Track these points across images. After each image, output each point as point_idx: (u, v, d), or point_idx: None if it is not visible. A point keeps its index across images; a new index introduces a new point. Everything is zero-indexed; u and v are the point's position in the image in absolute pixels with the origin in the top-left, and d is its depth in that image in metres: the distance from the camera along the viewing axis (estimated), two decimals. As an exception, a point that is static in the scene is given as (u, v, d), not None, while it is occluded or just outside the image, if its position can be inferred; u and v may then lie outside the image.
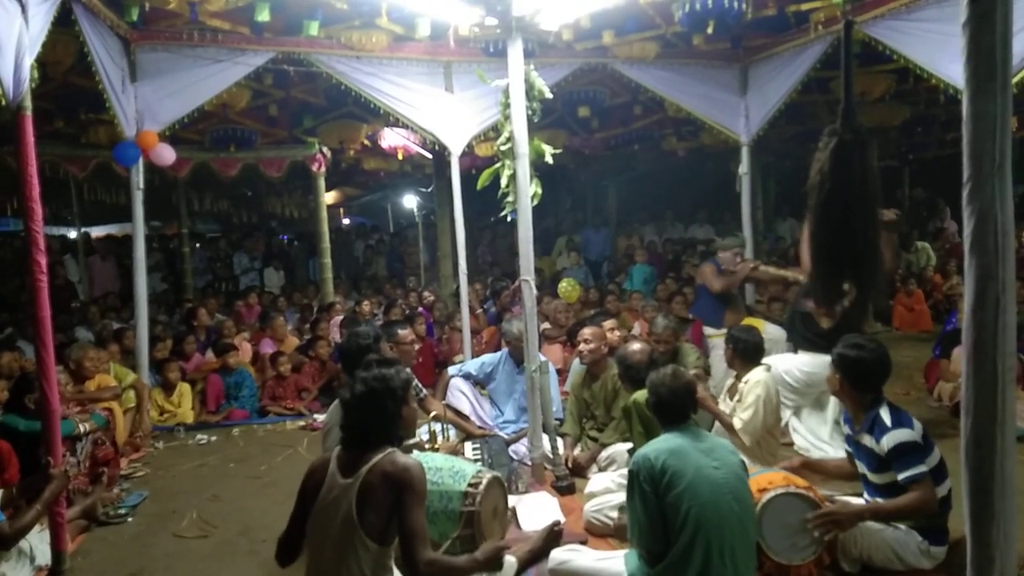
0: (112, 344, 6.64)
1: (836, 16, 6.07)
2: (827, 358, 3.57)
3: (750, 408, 4.13)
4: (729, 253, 6.33)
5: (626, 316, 8.08)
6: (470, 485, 3.21)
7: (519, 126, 4.34)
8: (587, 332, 4.99)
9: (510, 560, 2.86)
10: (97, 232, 12.87)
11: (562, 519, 3.67)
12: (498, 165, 4.60)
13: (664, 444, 2.88)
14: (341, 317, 8.00)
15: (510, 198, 4.54)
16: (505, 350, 5.65)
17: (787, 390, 4.93)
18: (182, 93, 6.18)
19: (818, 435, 4.97)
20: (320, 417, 6.05)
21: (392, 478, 2.40)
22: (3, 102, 3.44)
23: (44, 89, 6.07)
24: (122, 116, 5.84)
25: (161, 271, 11.46)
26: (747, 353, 4.36)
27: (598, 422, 4.92)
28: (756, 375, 4.25)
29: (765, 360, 4.49)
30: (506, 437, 5.10)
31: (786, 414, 4.96)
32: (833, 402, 4.77)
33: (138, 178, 6.27)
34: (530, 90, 4.42)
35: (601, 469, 4.56)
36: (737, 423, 4.15)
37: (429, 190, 11.19)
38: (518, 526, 3.79)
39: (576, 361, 5.83)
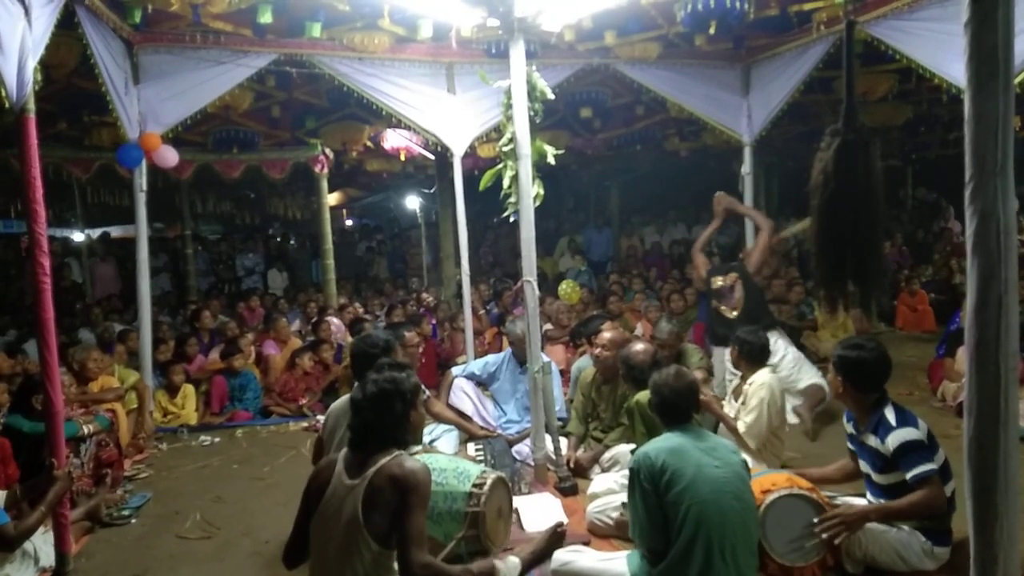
0: (115, 346, 6.65)
1: (838, 16, 6.06)
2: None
3: (754, 411, 4.12)
4: None
5: (628, 317, 8.07)
6: (475, 486, 3.21)
7: (521, 127, 4.33)
8: (606, 337, 4.85)
9: (513, 560, 2.86)
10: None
11: (565, 520, 3.66)
12: (500, 166, 4.59)
13: (665, 443, 2.88)
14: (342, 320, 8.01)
15: (512, 199, 4.53)
16: (508, 350, 5.65)
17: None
18: (185, 95, 6.18)
19: None
20: (323, 418, 6.04)
21: (399, 481, 2.41)
22: (7, 104, 3.45)
23: (47, 91, 6.07)
24: (125, 118, 5.84)
25: (167, 272, 11.48)
26: (752, 355, 4.36)
27: (604, 423, 4.91)
28: (760, 377, 4.24)
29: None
30: (509, 437, 5.10)
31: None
32: None
33: (141, 180, 6.27)
34: (532, 91, 4.41)
35: (604, 470, 4.55)
36: (741, 427, 4.14)
37: (432, 191, 11.21)
38: (521, 527, 3.79)
39: (580, 359, 5.85)
